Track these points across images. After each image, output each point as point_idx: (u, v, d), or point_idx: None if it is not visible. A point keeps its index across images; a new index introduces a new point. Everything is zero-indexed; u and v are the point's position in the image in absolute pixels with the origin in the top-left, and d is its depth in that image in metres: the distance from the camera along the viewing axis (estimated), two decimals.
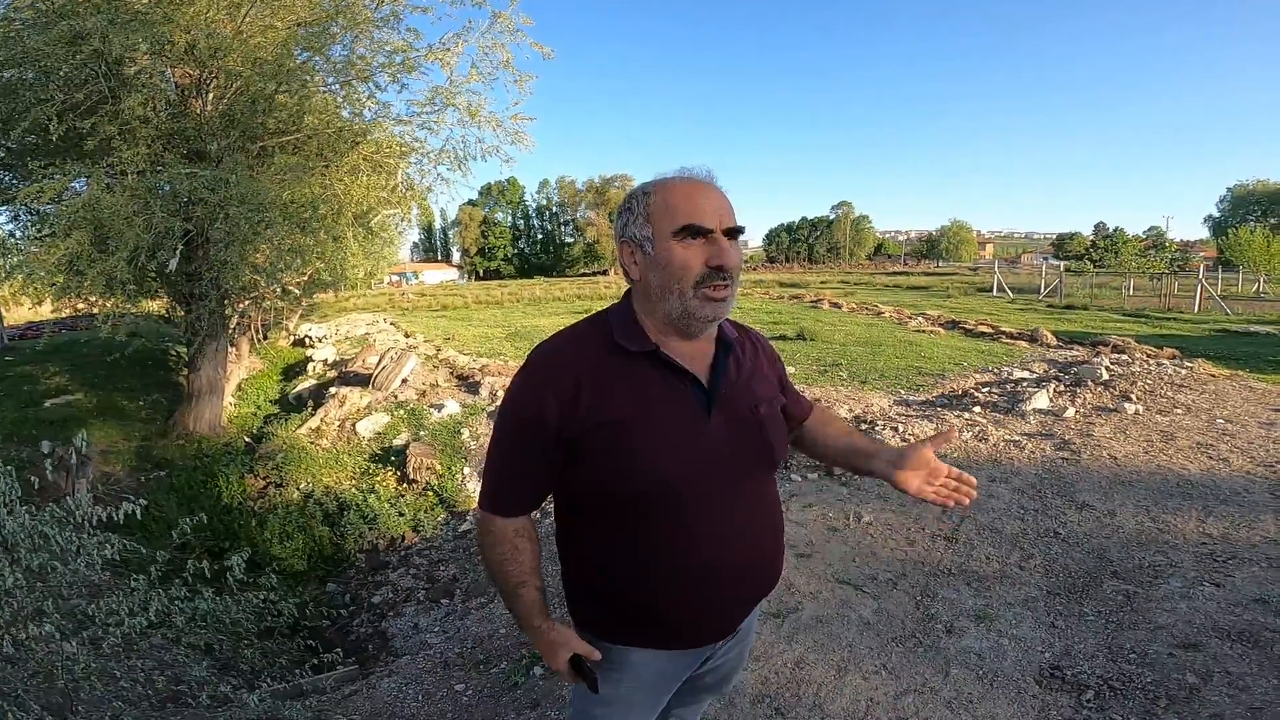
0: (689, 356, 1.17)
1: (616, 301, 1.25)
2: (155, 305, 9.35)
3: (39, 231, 7.74)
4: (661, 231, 1.10)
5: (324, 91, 7.93)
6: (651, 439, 1.10)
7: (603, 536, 1.19)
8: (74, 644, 1.84)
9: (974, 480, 1.23)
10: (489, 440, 1.26)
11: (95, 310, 8.03)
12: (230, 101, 7.17)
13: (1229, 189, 60.53)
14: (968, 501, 1.23)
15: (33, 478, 2.55)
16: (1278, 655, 2.50)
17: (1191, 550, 3.44)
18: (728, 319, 1.24)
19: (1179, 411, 6.09)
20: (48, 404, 9.24)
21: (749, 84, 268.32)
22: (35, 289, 6.80)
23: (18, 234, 8.07)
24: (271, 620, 2.84)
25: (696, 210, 1.09)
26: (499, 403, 1.17)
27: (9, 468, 2.16)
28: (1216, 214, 61.01)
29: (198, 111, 7.22)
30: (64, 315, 8.80)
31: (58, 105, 6.02)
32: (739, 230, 1.13)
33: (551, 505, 1.31)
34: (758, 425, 1.21)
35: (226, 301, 8.32)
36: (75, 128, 6.16)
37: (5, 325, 15.98)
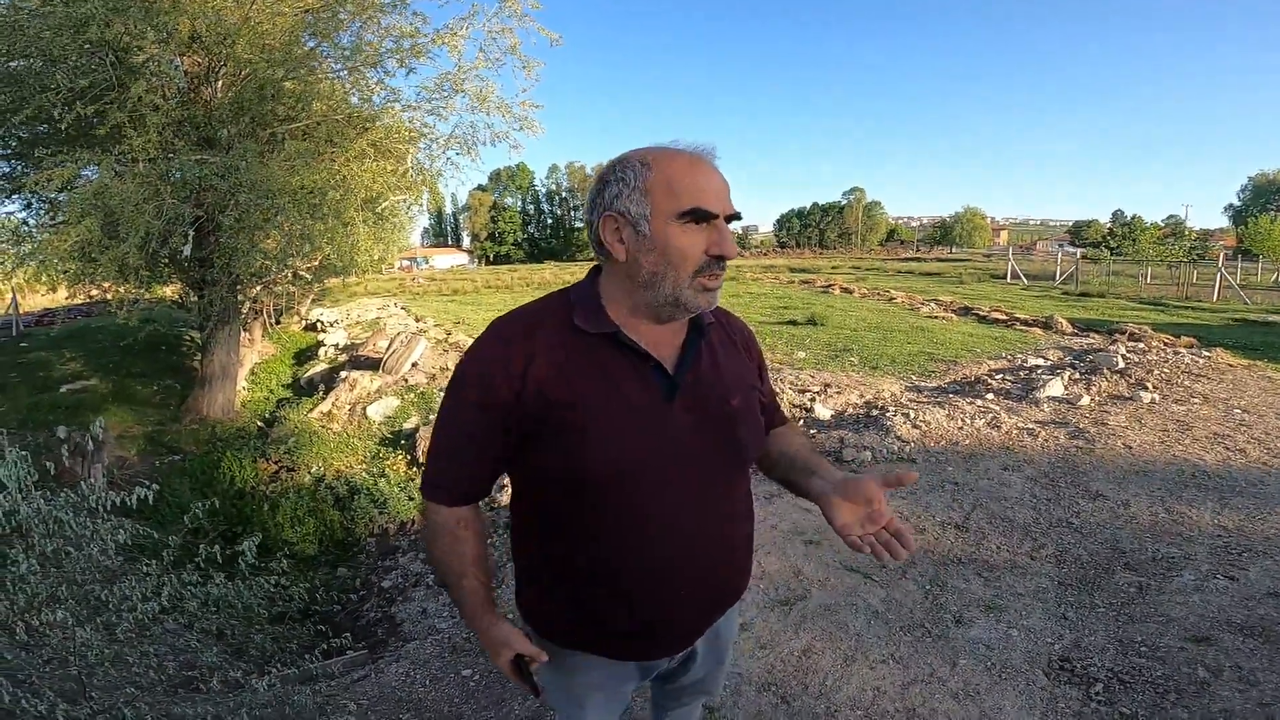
0: (654, 341, 1.08)
1: (580, 280, 1.14)
2: (169, 291, 9.44)
3: (52, 219, 7.81)
4: (661, 211, 1.00)
5: (332, 78, 7.91)
6: (608, 424, 1.02)
7: (556, 528, 1.11)
8: (88, 630, 1.85)
9: (913, 543, 1.04)
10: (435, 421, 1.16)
11: (109, 296, 8.12)
12: (239, 89, 7.17)
13: (1250, 178, 59.81)
14: (899, 558, 1.04)
15: (49, 463, 2.57)
16: None
17: (1206, 542, 3.40)
18: None
19: (1196, 401, 6.02)
20: (63, 389, 9.38)
21: (760, 69, 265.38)
22: (49, 276, 6.88)
23: (31, 222, 8.14)
24: (282, 605, 2.86)
25: (703, 193, 1.00)
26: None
27: (25, 453, 2.17)
28: (1237, 203, 60.21)
29: (207, 99, 7.22)
30: (79, 302, 8.90)
31: (64, 93, 6.03)
32: (737, 216, 1.07)
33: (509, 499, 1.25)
34: (728, 417, 1.12)
35: (238, 287, 8.38)
36: (84, 115, 6.17)
37: (21, 312, 16.17)
